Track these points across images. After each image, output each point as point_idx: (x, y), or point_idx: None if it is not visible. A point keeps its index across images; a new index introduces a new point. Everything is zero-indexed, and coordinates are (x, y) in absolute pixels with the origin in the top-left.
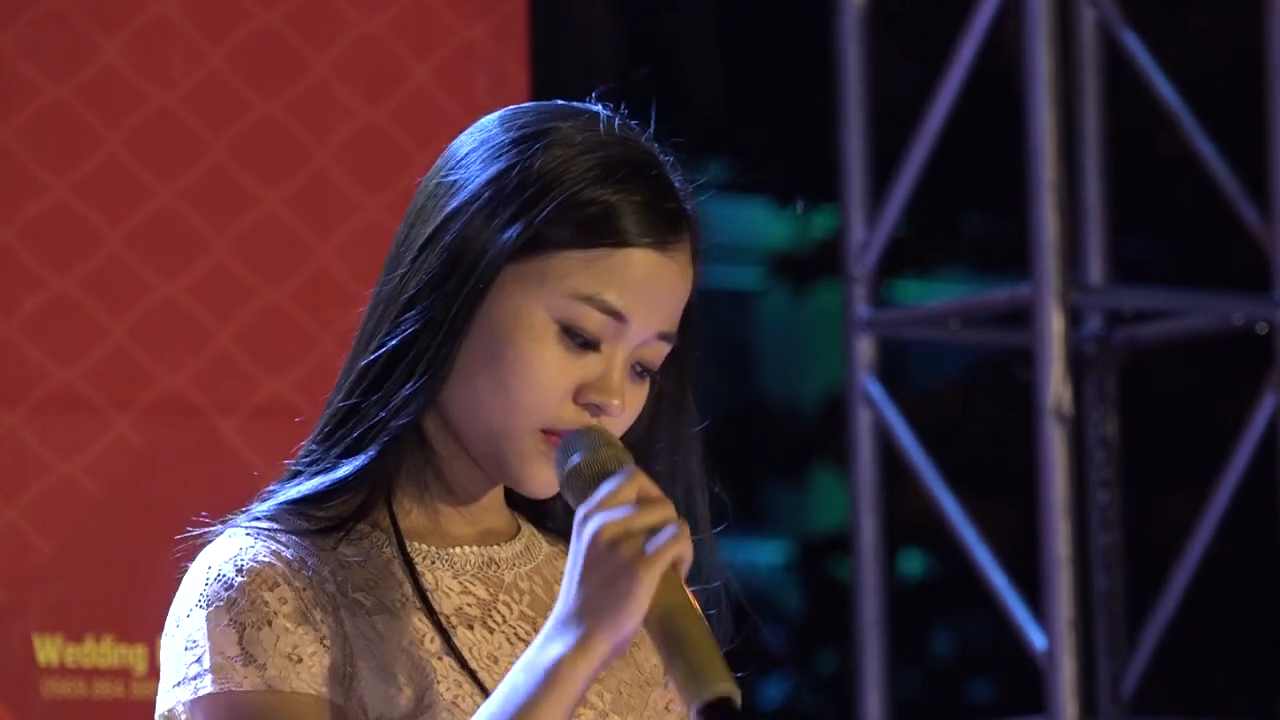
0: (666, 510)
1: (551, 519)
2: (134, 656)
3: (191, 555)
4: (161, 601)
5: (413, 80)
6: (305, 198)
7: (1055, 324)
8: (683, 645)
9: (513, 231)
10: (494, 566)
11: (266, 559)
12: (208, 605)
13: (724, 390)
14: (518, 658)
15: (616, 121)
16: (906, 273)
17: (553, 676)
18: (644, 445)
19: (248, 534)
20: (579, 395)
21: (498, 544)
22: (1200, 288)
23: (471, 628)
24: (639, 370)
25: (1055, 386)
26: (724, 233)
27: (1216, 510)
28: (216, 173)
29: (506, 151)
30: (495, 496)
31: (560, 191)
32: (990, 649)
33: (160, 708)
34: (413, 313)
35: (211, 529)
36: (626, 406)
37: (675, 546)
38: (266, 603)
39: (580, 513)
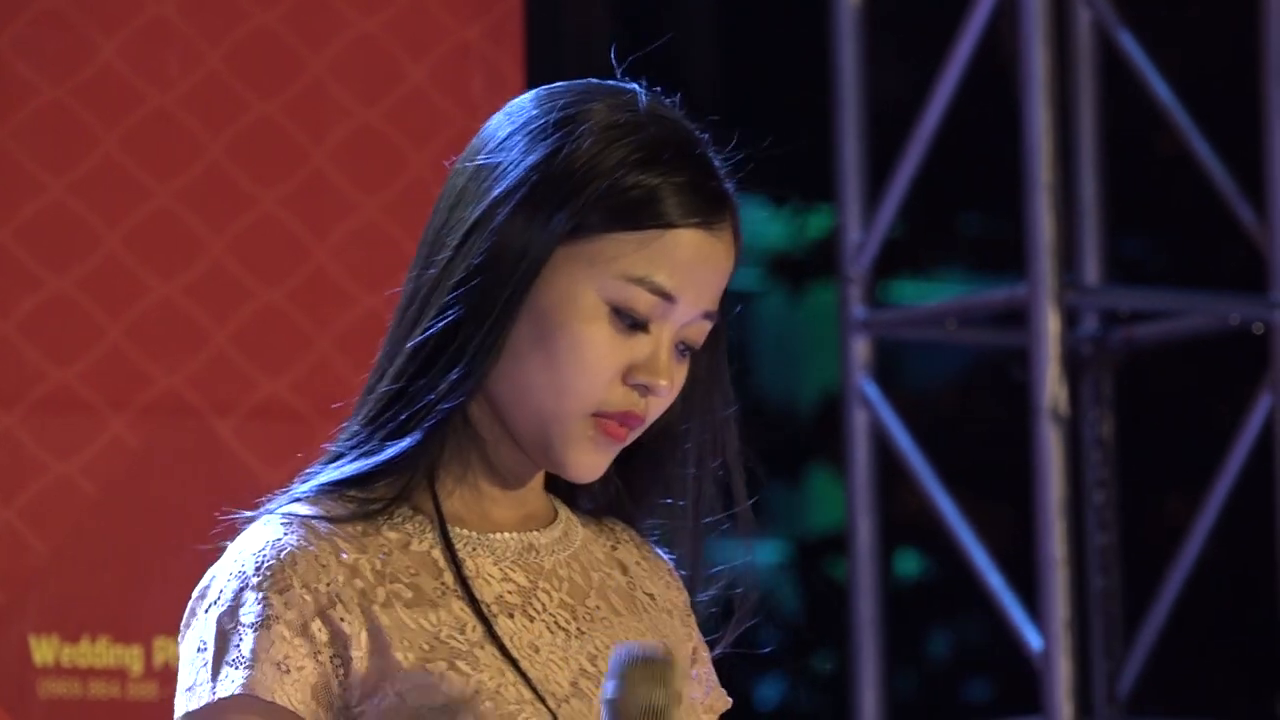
0: None
1: (589, 497)
2: (130, 657)
3: (230, 535)
4: (159, 602)
5: (409, 80)
6: (302, 198)
7: (1051, 324)
8: None
9: (560, 218)
10: (534, 553)
11: (288, 555)
12: (222, 605)
13: None
14: (558, 647)
15: (654, 100)
16: (902, 273)
17: None
18: (677, 422)
19: (282, 522)
20: (628, 376)
21: (537, 529)
22: (1196, 288)
23: (512, 616)
24: (682, 349)
25: (1051, 387)
26: None
27: (1213, 510)
28: (214, 173)
29: (549, 135)
30: (537, 481)
31: (606, 177)
32: (987, 649)
33: (178, 711)
34: (459, 295)
35: (246, 515)
36: (673, 386)
37: None
38: (272, 605)
39: None
